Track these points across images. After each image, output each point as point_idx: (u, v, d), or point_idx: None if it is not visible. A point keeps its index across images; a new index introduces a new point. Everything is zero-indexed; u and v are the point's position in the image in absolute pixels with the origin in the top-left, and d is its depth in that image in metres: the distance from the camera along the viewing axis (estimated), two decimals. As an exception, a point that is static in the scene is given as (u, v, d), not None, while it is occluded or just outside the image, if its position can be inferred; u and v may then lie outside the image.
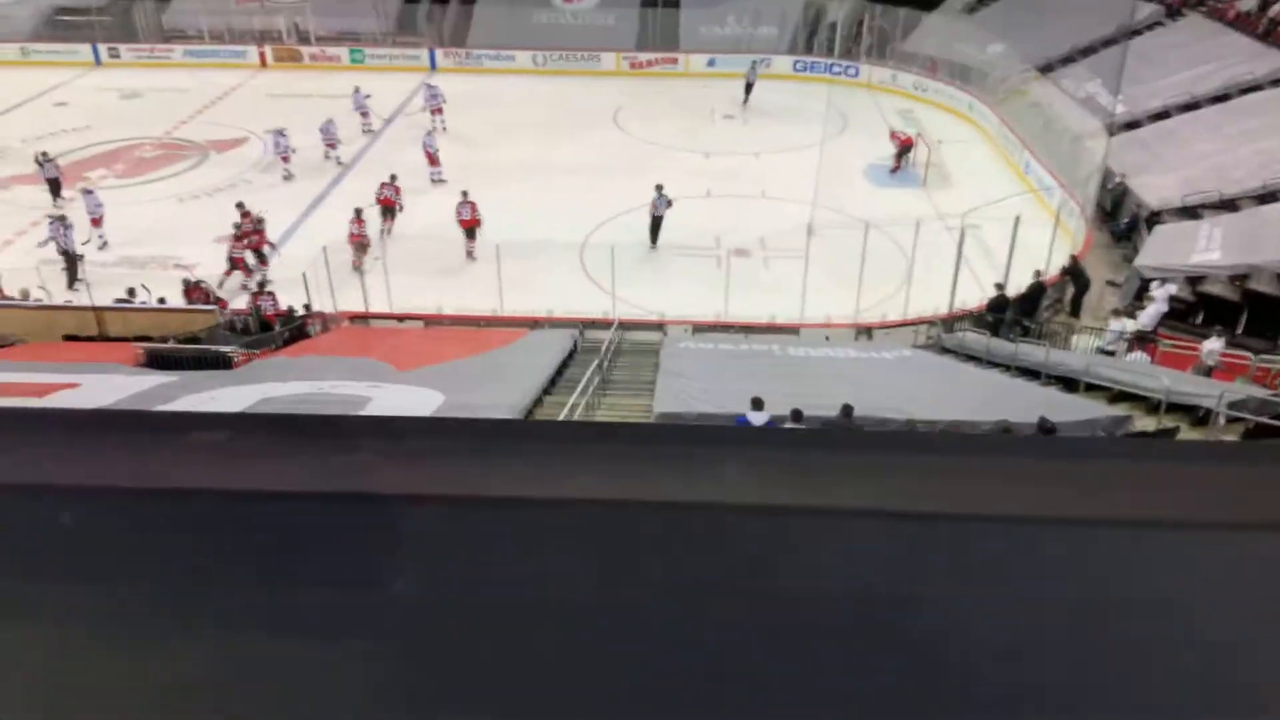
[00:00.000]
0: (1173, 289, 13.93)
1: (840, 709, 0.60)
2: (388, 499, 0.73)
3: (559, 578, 0.67)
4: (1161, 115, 20.67)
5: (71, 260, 16.31)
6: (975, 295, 15.55)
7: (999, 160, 22.59)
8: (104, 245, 17.35)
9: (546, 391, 11.68)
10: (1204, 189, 16.69)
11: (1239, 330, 13.30)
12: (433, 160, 20.78)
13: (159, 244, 17.59)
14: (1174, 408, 10.42)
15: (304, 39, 30.15)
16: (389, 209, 18.30)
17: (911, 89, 27.06)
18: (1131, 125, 20.52)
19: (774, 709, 0.60)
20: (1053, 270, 15.68)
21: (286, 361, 12.72)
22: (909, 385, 12.30)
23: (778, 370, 12.91)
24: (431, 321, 15.46)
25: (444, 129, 22.83)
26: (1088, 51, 24.09)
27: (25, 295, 14.67)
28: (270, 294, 15.11)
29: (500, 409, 10.26)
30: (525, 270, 16.48)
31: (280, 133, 21.12)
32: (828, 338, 15.03)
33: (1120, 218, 18.07)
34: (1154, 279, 14.58)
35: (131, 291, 14.98)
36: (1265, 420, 9.50)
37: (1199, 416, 10.14)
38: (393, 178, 18.52)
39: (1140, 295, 14.69)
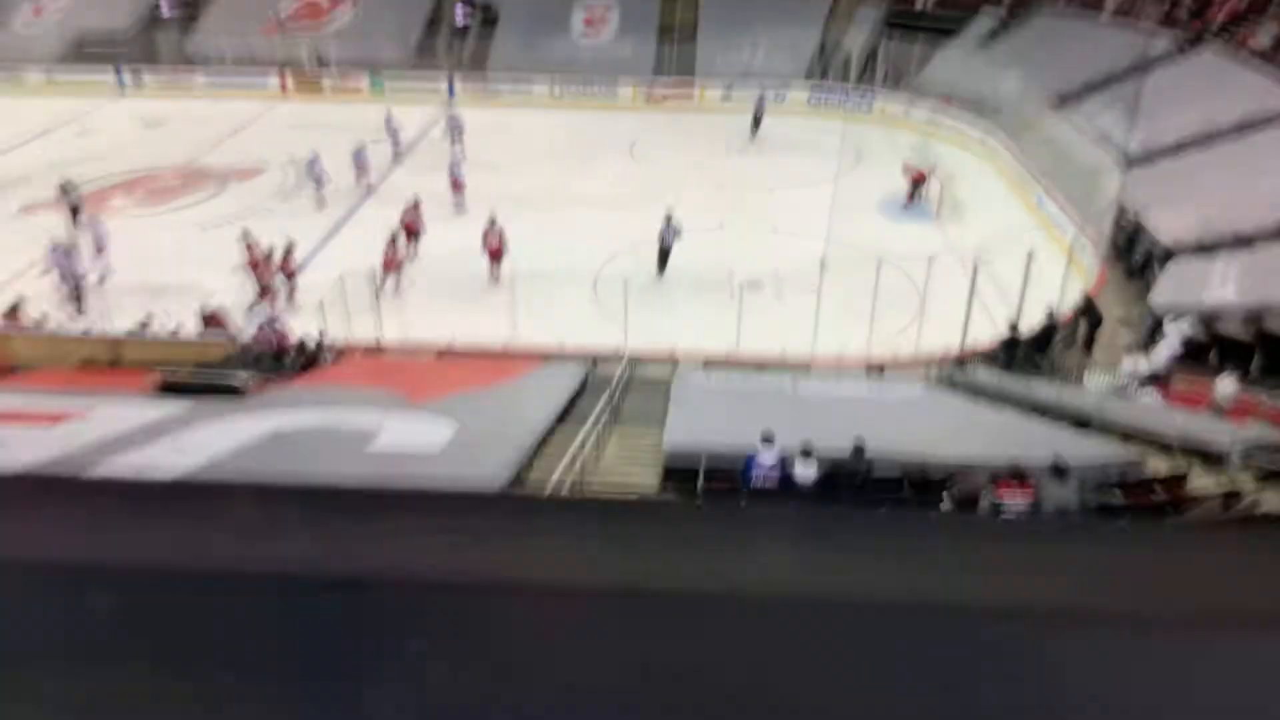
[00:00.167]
0: (1186, 328, 13.84)
1: None
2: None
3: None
4: (1177, 150, 20.63)
5: (77, 286, 16.53)
6: (988, 331, 15.51)
7: (1012, 194, 22.59)
8: (103, 278, 17.27)
9: (557, 423, 11.70)
10: (1219, 226, 16.62)
11: (1252, 370, 13.20)
12: (458, 187, 21.11)
13: (178, 272, 17.77)
14: (1186, 449, 10.35)
15: (325, 66, 30.59)
16: (414, 233, 18.57)
17: (925, 122, 27.15)
18: (1146, 160, 20.49)
19: None
20: (1066, 306, 15.62)
21: (299, 391, 12.81)
22: (920, 423, 12.24)
23: (789, 406, 12.90)
24: (444, 352, 15.53)
25: (464, 157, 23.12)
26: (1103, 85, 24.10)
27: (40, 322, 14.86)
28: (282, 323, 15.22)
29: (511, 439, 10.31)
30: (538, 301, 16.63)
31: (315, 159, 21.48)
32: (839, 374, 15.01)
33: (1134, 255, 18.01)
34: (1167, 317, 14.51)
35: (148, 319, 15.12)
36: (1282, 465, 9.42)
37: (1212, 459, 10.06)
38: (417, 202, 18.85)
39: (1154, 333, 14.61)
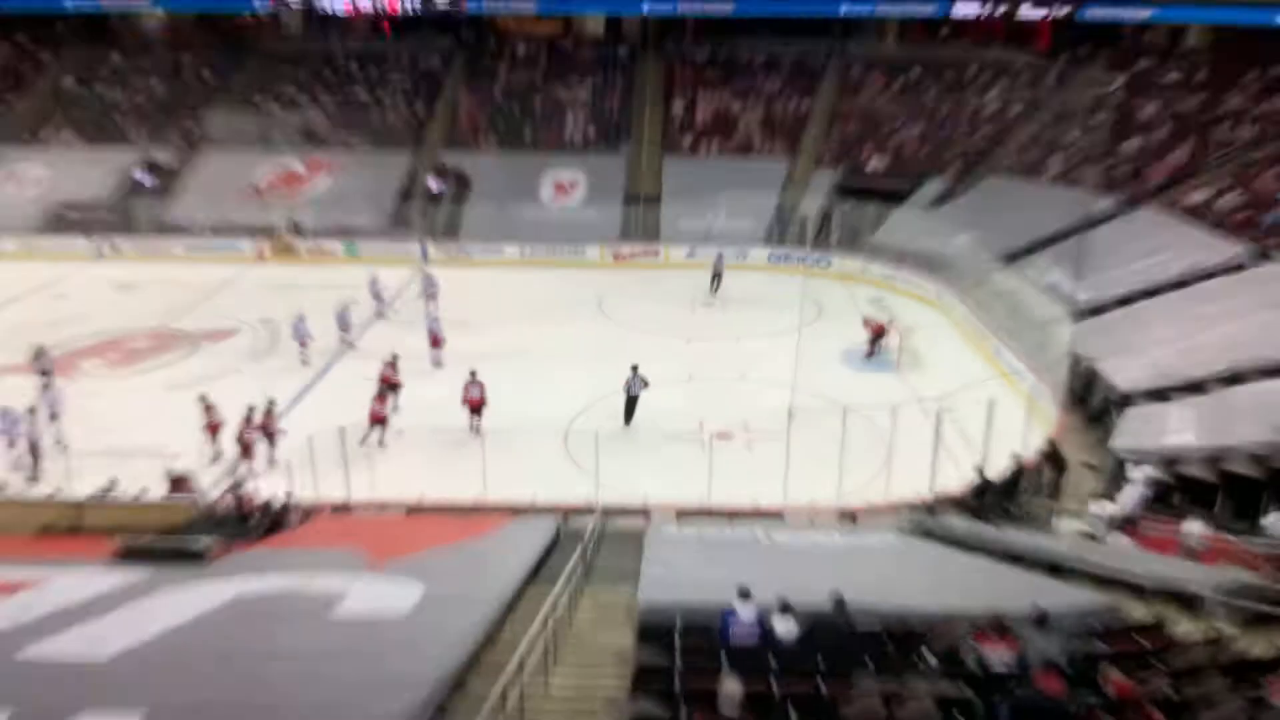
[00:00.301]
0: (1150, 471, 14.07)
1: None
2: None
3: None
4: (1124, 301, 21.53)
5: (32, 451, 16.38)
6: (954, 477, 15.65)
7: (969, 345, 23.30)
8: (59, 443, 17.05)
9: (529, 581, 11.46)
10: (1171, 372, 17.18)
11: (1218, 510, 13.36)
12: (437, 343, 21.65)
13: (147, 433, 17.59)
14: (1163, 594, 10.33)
15: (301, 234, 31.40)
16: (393, 387, 18.85)
17: (882, 278, 28.24)
18: (1096, 311, 21.33)
19: None
20: (1029, 452, 15.86)
21: (264, 554, 12.49)
22: (897, 572, 12.17)
23: (764, 557, 12.77)
24: (414, 509, 15.32)
25: (439, 314, 23.55)
26: (1049, 242, 25.35)
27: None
28: (246, 486, 15.01)
29: (481, 601, 10.05)
30: (510, 455, 16.61)
31: (301, 319, 21.99)
32: (812, 522, 14.95)
33: (1092, 401, 18.47)
34: (1130, 461, 14.76)
35: (113, 483, 14.84)
36: (1264, 609, 9.40)
37: (1189, 603, 10.04)
38: (394, 358, 19.31)
39: (1118, 477, 14.81)
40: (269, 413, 17.05)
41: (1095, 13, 32.70)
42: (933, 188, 30.92)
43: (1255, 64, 29.28)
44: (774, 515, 15.13)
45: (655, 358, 20.20)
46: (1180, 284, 21.14)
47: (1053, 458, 15.58)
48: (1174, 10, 32.02)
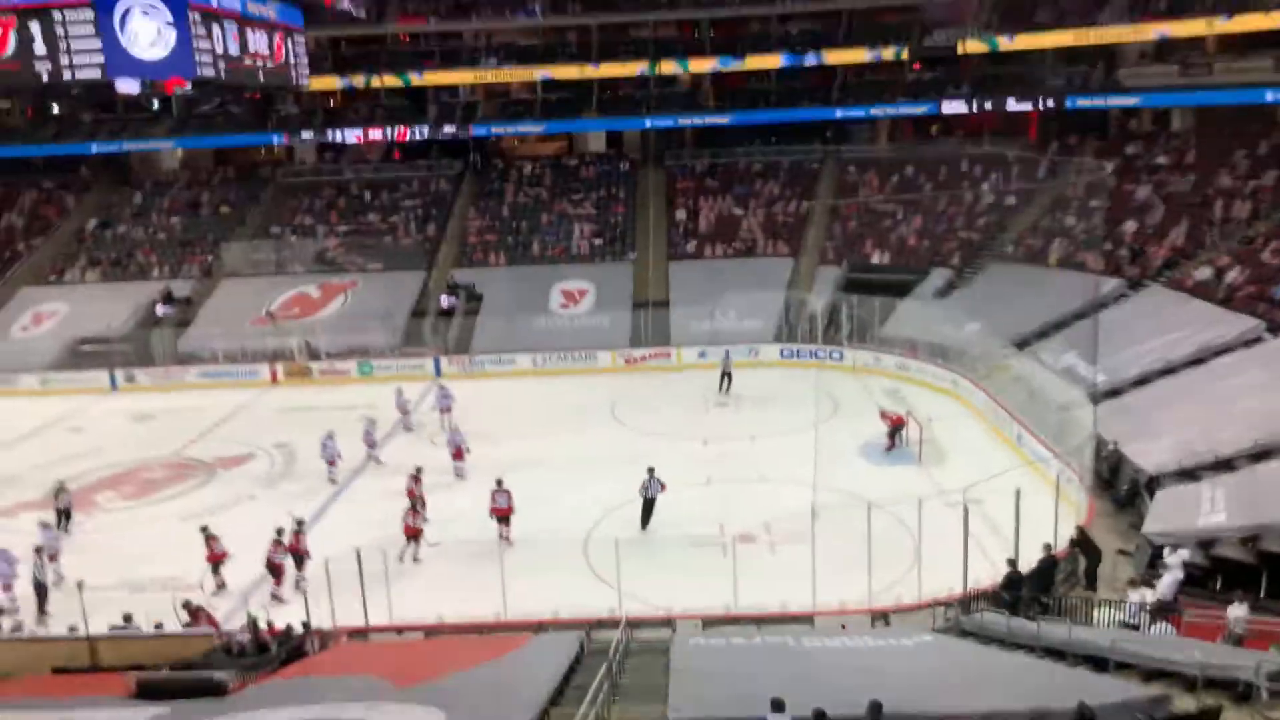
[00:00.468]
0: (1186, 555, 13.69)
1: None
2: None
3: None
4: (1141, 381, 21.40)
5: (41, 590, 16.21)
6: (987, 570, 15.25)
7: (990, 434, 23.06)
8: (59, 581, 16.80)
9: (554, 702, 11.10)
10: (1197, 451, 16.91)
11: (1262, 594, 12.93)
12: (460, 455, 21.69)
13: (163, 565, 17.43)
14: (1211, 683, 9.91)
15: (315, 356, 31.79)
16: (419, 500, 18.85)
17: (895, 369, 28.22)
18: (1114, 393, 21.19)
19: None
20: (1060, 541, 15.50)
21: (283, 684, 12.19)
22: (935, 674, 11.73)
23: (795, 664, 12.36)
24: (433, 631, 14.99)
25: (456, 427, 23.59)
26: (1059, 326, 25.43)
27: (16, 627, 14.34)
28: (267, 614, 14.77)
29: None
30: (530, 568, 16.33)
31: (329, 438, 22.01)
32: (844, 625, 14.53)
33: (1120, 485, 18.14)
34: (1165, 545, 14.38)
35: (128, 618, 14.62)
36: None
37: (1240, 692, 9.62)
38: (419, 471, 19.42)
39: (1154, 563, 14.41)
40: (297, 533, 16.95)
41: (1082, 102, 33.65)
42: (938, 278, 31.22)
43: (1240, 142, 29.94)
44: (803, 619, 14.74)
45: (672, 461, 20.03)
46: (1196, 361, 21.05)
47: (1085, 545, 15.22)
48: (1158, 96, 32.92)
